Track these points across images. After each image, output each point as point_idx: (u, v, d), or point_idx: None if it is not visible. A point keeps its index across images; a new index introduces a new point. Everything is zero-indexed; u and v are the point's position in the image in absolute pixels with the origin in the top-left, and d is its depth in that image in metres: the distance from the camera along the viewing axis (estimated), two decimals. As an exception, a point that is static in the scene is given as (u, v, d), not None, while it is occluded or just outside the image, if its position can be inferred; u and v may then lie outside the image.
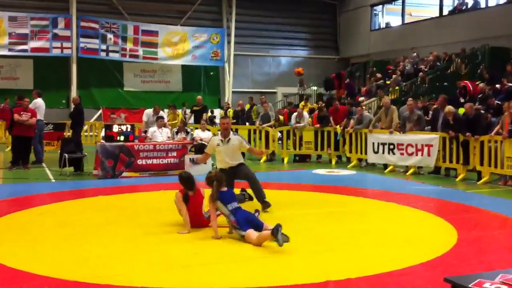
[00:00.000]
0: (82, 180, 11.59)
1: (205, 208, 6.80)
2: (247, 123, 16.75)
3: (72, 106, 16.79)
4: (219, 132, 8.69)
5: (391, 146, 13.09)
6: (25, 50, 23.39)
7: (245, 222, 6.14)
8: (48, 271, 4.91)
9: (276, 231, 5.65)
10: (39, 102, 14.44)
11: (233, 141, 8.26)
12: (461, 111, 13.05)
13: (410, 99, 14.07)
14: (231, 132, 8.43)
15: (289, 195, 9.60)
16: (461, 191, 10.32)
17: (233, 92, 27.10)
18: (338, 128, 14.78)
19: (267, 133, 15.56)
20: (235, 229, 6.19)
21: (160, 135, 12.82)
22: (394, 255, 5.63)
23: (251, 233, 6.00)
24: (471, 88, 16.08)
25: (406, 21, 26.79)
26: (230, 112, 19.22)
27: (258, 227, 6.12)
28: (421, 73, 20.75)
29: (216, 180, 6.41)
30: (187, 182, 6.87)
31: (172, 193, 7.15)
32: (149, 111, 14.60)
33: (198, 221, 6.74)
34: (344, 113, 15.24)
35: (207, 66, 27.23)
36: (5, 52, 23.19)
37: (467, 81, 16.87)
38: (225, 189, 6.48)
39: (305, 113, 15.72)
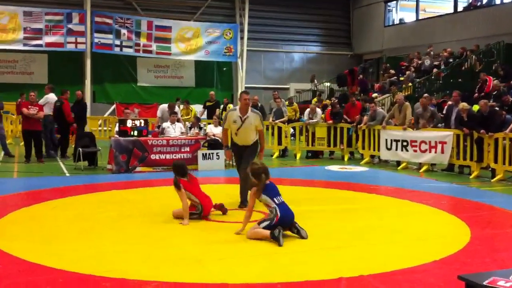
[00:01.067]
0: (96, 175, 11.69)
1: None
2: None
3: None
4: (238, 107, 8.01)
5: (405, 143, 13.03)
6: (40, 45, 23.55)
7: (279, 224, 5.91)
8: (63, 264, 4.97)
9: (278, 233, 5.74)
10: (50, 97, 14.58)
11: (250, 118, 7.83)
12: (475, 108, 12.97)
13: (425, 95, 13.96)
14: (250, 109, 7.96)
15: (302, 191, 9.60)
16: (474, 189, 10.25)
17: (246, 87, 27.09)
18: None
19: (279, 129, 15.55)
20: (269, 222, 5.97)
21: (173, 130, 12.88)
22: (407, 252, 5.62)
23: (255, 228, 6.02)
24: (492, 84, 15.92)
25: (420, 17, 26.61)
26: (230, 107, 19.01)
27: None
28: (435, 69, 20.61)
29: (264, 172, 6.13)
30: (179, 169, 7.03)
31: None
32: (163, 107, 14.65)
33: (207, 204, 7.06)
34: (359, 109, 15.22)
35: (220, 62, 27.25)
36: (20, 47, 23.36)
37: (490, 76, 16.68)
38: (268, 181, 6.19)
39: (318, 109, 15.70)
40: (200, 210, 7.02)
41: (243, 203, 7.73)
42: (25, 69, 24.37)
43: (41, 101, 14.12)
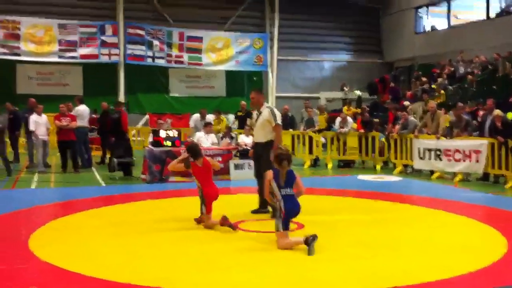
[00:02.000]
0: (131, 184, 11.89)
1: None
2: (290, 129, 16.68)
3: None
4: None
5: (438, 152, 12.90)
6: (75, 57, 24.14)
7: (288, 220, 6.03)
8: (98, 272, 5.08)
9: (311, 240, 5.75)
10: (81, 109, 14.91)
11: (264, 113, 7.90)
12: (510, 115, 12.76)
13: (459, 104, 13.79)
14: (265, 105, 8.04)
15: (333, 201, 9.61)
16: (510, 199, 10.08)
17: (276, 97, 27.21)
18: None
19: (310, 138, 15.56)
20: (277, 218, 6.07)
21: (206, 140, 13.03)
22: (441, 263, 5.56)
23: (283, 237, 6.00)
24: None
25: (452, 24, 26.31)
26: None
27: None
28: (469, 76, 20.34)
29: (287, 159, 6.09)
30: (191, 151, 7.25)
31: (218, 198, 7.31)
32: (196, 117, 14.83)
33: (212, 189, 7.13)
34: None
35: (250, 71, 27.43)
36: (55, 59, 23.99)
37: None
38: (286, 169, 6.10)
39: (349, 118, 15.67)
40: (201, 195, 7.16)
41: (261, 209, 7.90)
42: (60, 81, 24.99)
43: (72, 113, 14.47)
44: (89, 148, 15.14)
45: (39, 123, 13.57)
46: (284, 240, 6.02)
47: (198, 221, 7.29)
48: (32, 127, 13.57)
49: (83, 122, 14.63)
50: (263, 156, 7.93)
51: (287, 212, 6.05)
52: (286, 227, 6.05)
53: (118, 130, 14.85)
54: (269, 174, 6.16)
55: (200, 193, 7.21)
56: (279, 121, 7.90)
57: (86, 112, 15.21)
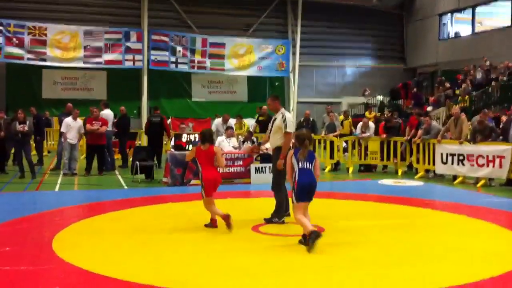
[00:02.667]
0: (153, 187, 12.00)
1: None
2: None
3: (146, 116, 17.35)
4: None
5: (461, 157, 12.77)
6: (100, 63, 24.51)
7: (302, 191, 6.26)
8: (122, 274, 5.14)
9: (314, 237, 5.93)
10: (106, 113, 15.15)
11: (277, 120, 7.86)
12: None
13: (484, 110, 13.62)
14: (280, 110, 7.89)
15: (354, 206, 9.56)
16: (535, 205, 9.92)
17: (298, 102, 27.22)
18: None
19: (332, 143, 15.53)
20: (293, 190, 6.32)
21: (228, 144, 13.10)
22: (463, 269, 5.50)
23: (299, 211, 6.25)
24: None
25: (476, 30, 26.04)
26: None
27: (313, 193, 6.38)
28: (493, 82, 20.11)
29: (308, 139, 6.38)
30: (203, 134, 7.52)
31: (239, 201, 7.35)
32: (218, 121, 14.94)
33: (210, 173, 7.25)
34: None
35: (272, 77, 27.51)
36: (80, 65, 24.39)
37: None
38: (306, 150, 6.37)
39: (371, 123, 15.59)
40: (200, 179, 7.32)
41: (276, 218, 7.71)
42: (85, 86, 25.39)
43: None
44: (112, 151, 15.35)
45: (71, 126, 13.80)
46: (297, 213, 6.28)
47: (211, 224, 7.35)
48: (63, 128, 13.85)
49: (108, 126, 14.87)
50: (272, 162, 8.01)
51: (299, 184, 6.25)
52: (298, 198, 6.26)
53: (160, 134, 15.41)
54: (290, 152, 6.49)
55: (200, 177, 7.38)
56: (289, 129, 7.71)
57: (111, 116, 15.47)
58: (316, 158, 6.47)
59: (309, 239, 5.96)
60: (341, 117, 17.59)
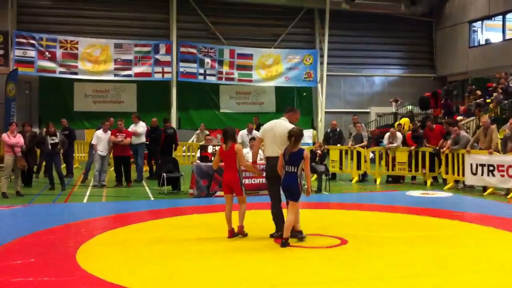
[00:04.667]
0: (179, 199, 12.09)
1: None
2: (338, 144, 16.49)
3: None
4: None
5: (491, 168, 12.51)
6: (129, 75, 24.87)
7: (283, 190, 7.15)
8: (143, 285, 5.20)
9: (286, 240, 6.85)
10: (141, 125, 15.34)
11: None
12: None
13: (512, 118, 13.38)
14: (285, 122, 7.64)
15: (381, 217, 9.46)
16: None
17: (325, 112, 27.11)
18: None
19: (358, 153, 15.40)
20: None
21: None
22: (489, 282, 5.41)
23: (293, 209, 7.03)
24: None
25: (507, 37, 25.58)
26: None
27: (293, 195, 7.05)
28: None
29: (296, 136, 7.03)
30: (225, 132, 7.63)
31: (263, 213, 7.36)
32: (243, 132, 14.98)
33: (229, 174, 7.46)
34: (438, 133, 14.79)
35: (300, 87, 27.49)
36: (111, 77, 24.80)
37: None
38: (296, 149, 6.99)
39: (399, 133, 15.40)
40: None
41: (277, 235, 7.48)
42: (115, 98, 25.76)
43: (140, 130, 15.03)
44: (143, 162, 15.56)
45: (101, 138, 14.01)
46: (293, 211, 7.08)
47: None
48: (94, 141, 14.09)
49: (143, 138, 15.21)
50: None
51: (283, 186, 7.28)
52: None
53: (172, 145, 15.51)
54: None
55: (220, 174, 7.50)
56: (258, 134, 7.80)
57: (143, 129, 15.62)
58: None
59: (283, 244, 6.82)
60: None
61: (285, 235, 6.86)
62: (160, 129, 16.34)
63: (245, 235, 7.44)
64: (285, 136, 7.22)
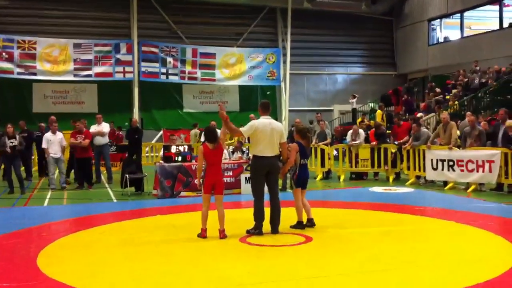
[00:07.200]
0: (142, 200, 11.93)
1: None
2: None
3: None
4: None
5: (451, 163, 12.76)
6: (90, 75, 24.45)
7: (300, 183, 7.93)
8: (107, 288, 5.10)
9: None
10: (105, 125, 15.10)
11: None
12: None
13: (468, 113, 13.69)
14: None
15: (346, 214, 9.55)
16: (525, 209, 9.91)
17: (289, 110, 27.24)
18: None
19: (322, 151, 15.51)
20: (292, 180, 8.06)
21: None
22: (451, 275, 5.50)
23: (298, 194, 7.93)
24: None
25: (465, 35, 26.21)
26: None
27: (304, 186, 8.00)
28: (485, 87, 20.17)
29: (309, 131, 7.93)
30: (208, 133, 7.44)
31: (228, 212, 7.33)
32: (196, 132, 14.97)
33: (216, 172, 7.34)
34: (407, 130, 15.04)
35: (263, 86, 27.55)
36: (70, 78, 24.31)
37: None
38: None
39: (361, 130, 15.59)
40: (202, 176, 7.33)
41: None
42: (76, 99, 25.31)
43: (105, 130, 14.78)
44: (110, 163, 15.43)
45: (52, 141, 13.66)
46: (298, 198, 7.94)
47: (201, 235, 7.31)
48: (44, 144, 13.71)
49: (107, 138, 15.03)
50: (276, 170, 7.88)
51: (299, 177, 7.99)
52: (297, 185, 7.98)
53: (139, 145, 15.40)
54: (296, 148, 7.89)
55: (203, 173, 7.36)
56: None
57: (107, 129, 15.30)
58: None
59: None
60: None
61: (300, 218, 7.96)
62: (141, 129, 16.19)
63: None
64: (282, 134, 7.57)
